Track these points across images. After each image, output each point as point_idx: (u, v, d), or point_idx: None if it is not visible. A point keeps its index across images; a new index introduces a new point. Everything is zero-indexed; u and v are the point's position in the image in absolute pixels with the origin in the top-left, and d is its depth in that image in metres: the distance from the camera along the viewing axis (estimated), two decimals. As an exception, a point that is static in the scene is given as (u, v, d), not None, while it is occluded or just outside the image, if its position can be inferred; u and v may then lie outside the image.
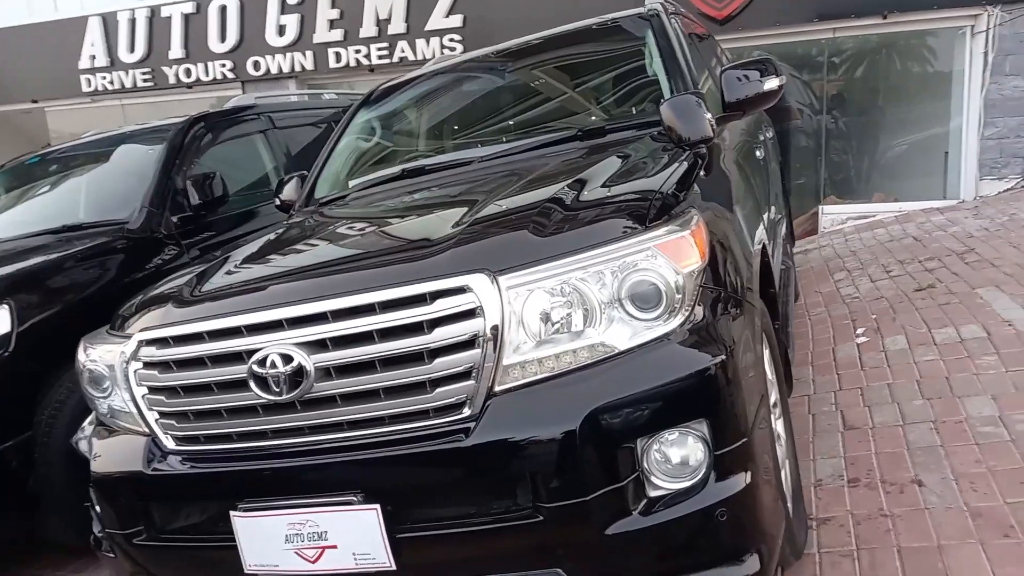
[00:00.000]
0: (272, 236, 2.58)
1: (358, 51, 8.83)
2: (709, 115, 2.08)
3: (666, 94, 2.87)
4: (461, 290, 1.69)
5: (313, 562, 1.77)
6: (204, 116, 4.59)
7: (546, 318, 1.69)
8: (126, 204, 3.87)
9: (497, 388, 1.68)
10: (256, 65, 9.43)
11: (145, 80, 10.06)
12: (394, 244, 2.15)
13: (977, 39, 6.74)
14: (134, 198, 3.87)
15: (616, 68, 3.26)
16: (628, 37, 3.31)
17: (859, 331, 4.04)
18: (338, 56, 8.97)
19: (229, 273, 2.19)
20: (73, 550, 3.14)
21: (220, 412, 1.89)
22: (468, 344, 1.68)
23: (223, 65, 9.59)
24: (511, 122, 3.16)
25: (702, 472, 1.66)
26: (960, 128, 7.11)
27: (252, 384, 1.79)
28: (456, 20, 8.33)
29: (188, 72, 9.80)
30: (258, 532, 1.81)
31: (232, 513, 1.82)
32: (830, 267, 5.61)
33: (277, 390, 1.76)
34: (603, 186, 2.03)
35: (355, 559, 1.74)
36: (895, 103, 7.77)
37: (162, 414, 1.97)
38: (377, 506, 1.69)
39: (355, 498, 1.71)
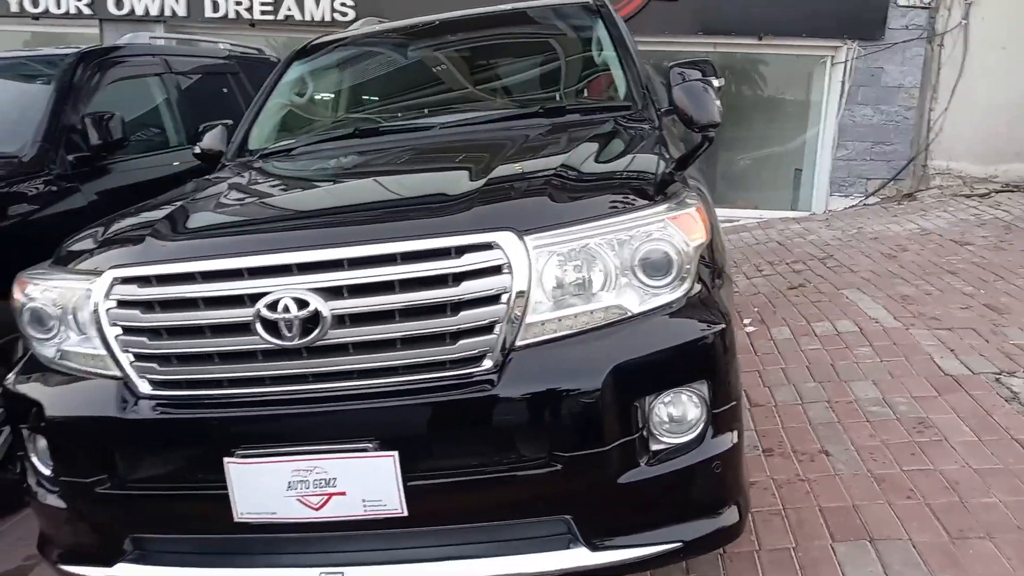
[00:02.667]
0: (235, 181, 2.46)
1: (239, 3, 8.38)
2: (718, 101, 2.23)
3: (619, 82, 3.03)
4: (488, 246, 1.72)
5: (317, 509, 1.74)
6: (96, 50, 4.23)
7: (565, 279, 1.76)
8: (13, 137, 3.50)
9: (518, 343, 1.74)
10: (119, 3, 8.69)
11: (-19, 4, 8.98)
12: (403, 198, 2.13)
13: (836, 69, 7.49)
14: (24, 131, 3.51)
15: (565, 52, 3.37)
16: (575, 22, 3.43)
17: (746, 321, 4.42)
18: (215, 5, 8.47)
19: (213, 213, 2.08)
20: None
21: (211, 356, 1.80)
22: (493, 299, 1.71)
23: (79, -1, 8.75)
24: (466, 92, 3.18)
25: (700, 428, 1.80)
26: (814, 147, 7.87)
27: (259, 328, 1.72)
28: (350, -16, 8.11)
29: (35, 2, 8.85)
30: (256, 479, 1.75)
31: (227, 459, 1.74)
32: (707, 263, 6.04)
33: (289, 335, 1.71)
34: (605, 160, 2.13)
35: (364, 506, 1.73)
36: (758, 119, 8.44)
37: (139, 356, 1.84)
38: (395, 453, 1.69)
39: (370, 445, 1.71)
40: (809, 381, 3.46)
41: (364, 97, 3.45)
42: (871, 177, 7.54)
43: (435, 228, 1.76)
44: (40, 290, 2.00)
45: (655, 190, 1.92)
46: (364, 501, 1.73)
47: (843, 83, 7.40)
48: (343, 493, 1.73)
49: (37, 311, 2.00)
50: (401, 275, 1.71)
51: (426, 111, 3.09)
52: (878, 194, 7.54)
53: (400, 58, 3.51)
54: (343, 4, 8.16)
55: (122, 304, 1.84)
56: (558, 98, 3.13)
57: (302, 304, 1.70)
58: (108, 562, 1.95)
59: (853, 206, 7.52)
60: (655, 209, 1.83)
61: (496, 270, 1.72)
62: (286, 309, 1.70)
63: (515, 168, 2.11)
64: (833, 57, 7.54)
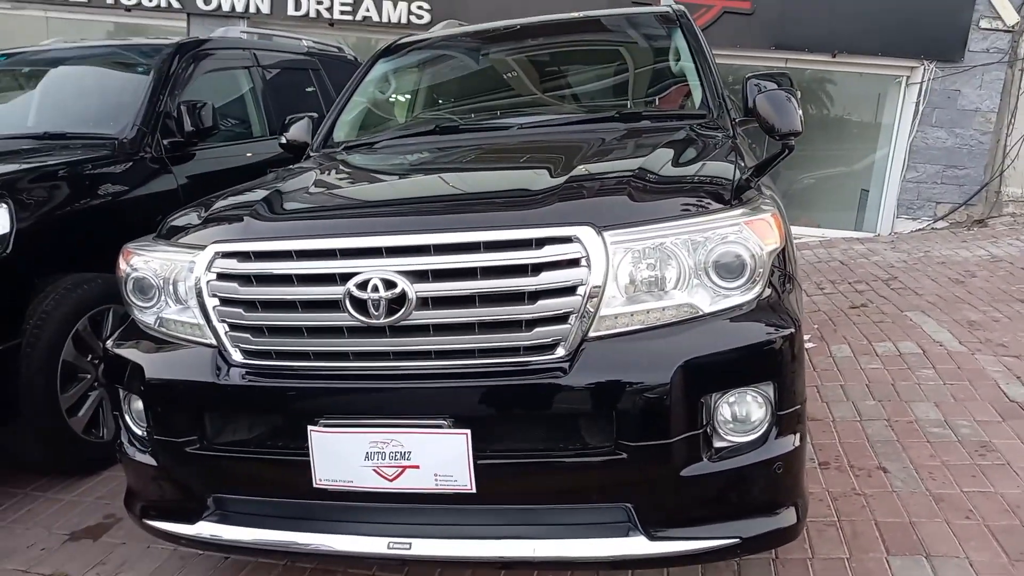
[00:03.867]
0: (324, 170, 2.59)
1: (320, 2, 8.65)
2: (800, 111, 2.28)
3: (695, 90, 3.08)
4: (568, 240, 1.80)
5: (391, 480, 1.84)
6: (194, 41, 4.46)
7: (640, 276, 1.83)
8: (114, 120, 3.72)
9: (591, 334, 1.81)
10: (207, -1, 9.05)
11: (79, -6, 9.45)
12: (487, 191, 2.23)
13: (911, 89, 7.38)
14: (124, 114, 3.73)
15: (643, 59, 3.44)
16: (654, 31, 3.49)
17: (805, 337, 4.39)
18: (297, 4, 8.76)
19: (307, 198, 2.21)
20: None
21: (301, 330, 1.92)
22: (569, 290, 1.79)
23: (170, -8, 9.14)
24: (544, 95, 3.27)
25: (764, 428, 1.84)
26: (883, 168, 7.74)
27: (348, 306, 1.83)
28: (426, -13, 8.31)
29: (130, -7, 9.28)
30: (336, 448, 1.86)
31: (310, 427, 1.86)
32: (767, 278, 6.02)
33: (376, 314, 1.81)
34: (682, 165, 2.19)
35: (436, 480, 1.82)
36: (825, 138, 8.35)
37: (233, 327, 1.97)
38: (467, 431, 1.78)
39: (445, 422, 1.80)
40: (868, 399, 3.44)
41: (444, 96, 3.57)
42: (941, 201, 7.40)
43: (518, 220, 1.85)
44: (144, 261, 2.15)
45: (732, 195, 1.98)
46: (436, 475, 1.82)
47: (917, 104, 7.28)
48: (417, 466, 1.82)
49: (140, 280, 2.15)
50: (483, 263, 1.80)
51: (505, 111, 3.19)
52: (947, 218, 7.40)
53: (481, 60, 3.62)
54: (419, 7, 8.36)
55: (221, 277, 1.97)
56: (634, 104, 3.19)
57: (390, 285, 1.80)
58: (191, 519, 2.09)
59: (920, 229, 7.38)
60: (731, 213, 1.88)
61: (574, 263, 1.79)
62: (375, 289, 1.80)
63: (595, 168, 2.18)
64: (909, 77, 7.43)
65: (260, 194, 2.27)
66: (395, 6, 8.40)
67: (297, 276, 1.90)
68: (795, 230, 7.89)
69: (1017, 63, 7.10)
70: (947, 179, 7.38)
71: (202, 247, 2.01)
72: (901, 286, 5.38)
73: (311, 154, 3.20)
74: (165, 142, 3.76)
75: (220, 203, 2.29)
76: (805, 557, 2.35)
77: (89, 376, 3.11)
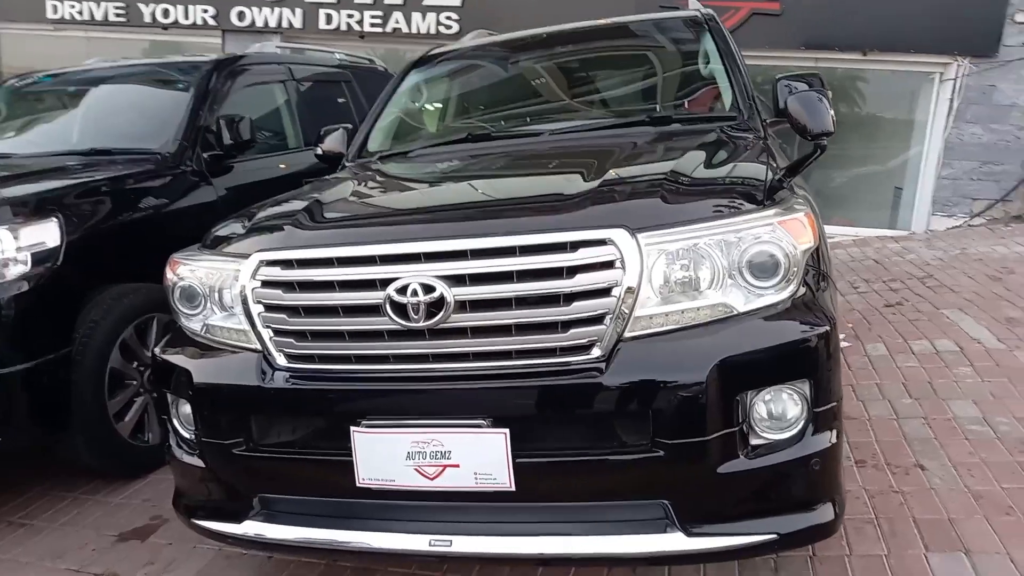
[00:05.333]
0: (361, 179, 2.66)
1: (351, 16, 8.79)
2: (832, 111, 2.29)
3: (726, 94, 3.10)
4: (602, 242, 1.83)
5: (432, 479, 1.89)
6: (232, 57, 4.59)
7: (674, 276, 1.86)
8: (157, 135, 3.83)
9: (626, 335, 1.84)
10: (241, 16, 9.25)
11: (118, 15, 9.71)
12: (522, 196, 2.28)
13: (945, 86, 7.29)
14: (166, 130, 3.85)
15: (672, 64, 3.47)
16: (683, 35, 3.52)
17: (840, 336, 4.36)
18: (329, 18, 8.91)
19: (346, 206, 2.27)
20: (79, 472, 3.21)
21: (342, 334, 1.97)
22: (604, 292, 1.82)
23: (205, 11, 9.36)
24: (575, 102, 3.31)
25: (800, 425, 1.86)
26: (917, 166, 7.65)
27: (389, 310, 1.88)
28: (456, -1, 8.40)
29: (166, 13, 9.52)
30: (378, 448, 1.92)
31: (353, 428, 1.91)
32: (800, 279, 5.98)
33: (416, 318, 1.86)
34: (714, 166, 2.22)
35: (475, 478, 1.86)
36: (857, 136, 8.26)
37: (277, 332, 2.03)
38: (506, 431, 1.82)
39: (484, 422, 1.84)
40: (905, 397, 3.42)
41: (476, 104, 3.62)
42: (977, 197, 7.29)
43: (552, 224, 1.89)
44: (190, 270, 2.23)
45: (764, 195, 2.00)
46: (476, 474, 1.86)
47: (952, 101, 7.19)
48: (457, 465, 1.87)
49: (187, 289, 2.22)
50: (519, 266, 1.84)
51: (536, 118, 3.24)
52: (984, 215, 7.29)
53: (510, 68, 3.68)
54: (448, 18, 8.45)
55: (266, 284, 2.03)
56: (664, 108, 3.22)
57: (428, 289, 1.85)
58: (237, 519, 2.15)
59: (957, 227, 7.29)
60: (765, 213, 1.90)
61: (608, 265, 1.82)
62: (414, 293, 1.86)
63: (627, 171, 2.22)
64: (942, 74, 7.34)
65: (300, 204, 2.34)
66: (424, 17, 8.50)
67: (339, 282, 1.96)
68: (829, 229, 7.81)
69: (1054, 56, 6.98)
70: (983, 175, 7.27)
71: (246, 256, 2.08)
72: (937, 284, 5.32)
73: (346, 164, 3.28)
74: (205, 155, 3.86)
75: (262, 213, 2.37)
76: (843, 554, 2.35)
77: (135, 383, 3.21)
